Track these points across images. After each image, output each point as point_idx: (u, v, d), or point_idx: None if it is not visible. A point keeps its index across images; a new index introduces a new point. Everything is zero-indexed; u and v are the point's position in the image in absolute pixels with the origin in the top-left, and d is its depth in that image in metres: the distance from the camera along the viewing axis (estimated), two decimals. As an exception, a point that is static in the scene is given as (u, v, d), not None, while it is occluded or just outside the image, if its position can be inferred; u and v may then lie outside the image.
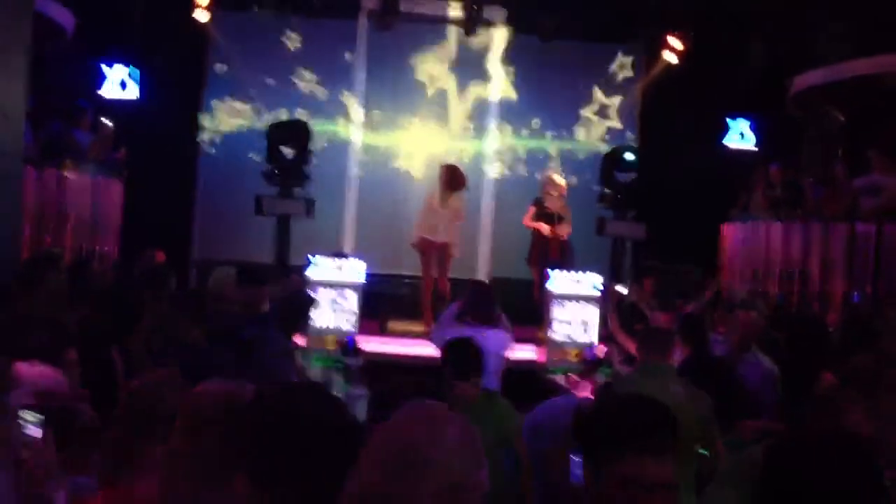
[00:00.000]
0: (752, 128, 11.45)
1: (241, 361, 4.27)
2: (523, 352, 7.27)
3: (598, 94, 11.67)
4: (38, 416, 1.83)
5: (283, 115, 10.73)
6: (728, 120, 11.47)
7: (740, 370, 4.85)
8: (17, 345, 2.75)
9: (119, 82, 10.58)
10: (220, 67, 11.10)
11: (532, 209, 9.27)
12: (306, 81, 11.31)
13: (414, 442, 1.50)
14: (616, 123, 11.68)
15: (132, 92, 10.56)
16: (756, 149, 11.35)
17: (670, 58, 10.85)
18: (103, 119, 9.29)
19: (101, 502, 2.09)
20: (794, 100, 10.29)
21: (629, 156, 10.00)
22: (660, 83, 11.10)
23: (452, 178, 8.85)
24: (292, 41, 11.22)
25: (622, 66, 11.64)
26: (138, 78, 10.55)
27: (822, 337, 4.71)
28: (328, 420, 1.55)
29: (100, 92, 10.49)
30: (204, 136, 11.16)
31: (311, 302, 5.54)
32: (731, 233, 9.91)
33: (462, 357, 4.33)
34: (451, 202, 8.81)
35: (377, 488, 1.47)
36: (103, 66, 10.56)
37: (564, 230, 9.17)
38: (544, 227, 9.11)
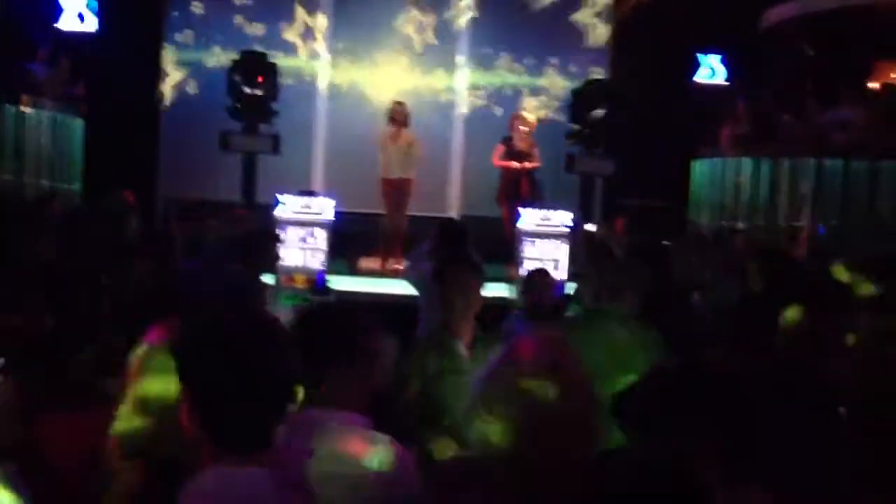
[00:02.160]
0: (723, 62, 11.38)
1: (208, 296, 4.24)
2: (495, 290, 7.27)
3: (571, 27, 11.51)
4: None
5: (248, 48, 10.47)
6: (699, 55, 11.38)
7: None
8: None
9: (77, 14, 10.23)
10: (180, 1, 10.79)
11: (500, 147, 9.21)
12: (269, 16, 11.04)
13: None
14: (585, 57, 11.54)
15: (90, 24, 10.22)
16: (727, 83, 11.30)
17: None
18: (60, 51, 9.02)
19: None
20: (766, 33, 10.23)
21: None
22: (631, 17, 10.97)
23: (401, 115, 8.79)
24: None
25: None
26: (96, 9, 10.20)
27: (791, 269, 4.74)
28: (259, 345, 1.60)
29: (57, 25, 10.13)
30: (166, 70, 10.88)
31: (274, 238, 5.47)
32: (700, 169, 9.93)
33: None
34: (404, 138, 8.80)
35: None
36: (61, -1, 10.20)
37: (534, 164, 9.16)
38: (514, 164, 9.08)
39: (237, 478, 1.54)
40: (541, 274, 5.77)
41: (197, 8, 10.88)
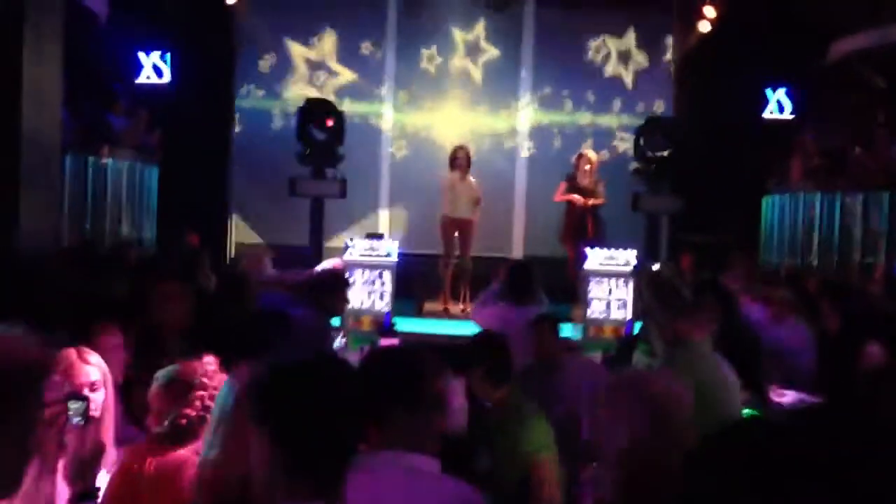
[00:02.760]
0: (790, 96, 11.21)
1: (283, 339, 4.33)
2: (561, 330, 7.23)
3: (632, 65, 11.53)
4: (79, 403, 1.85)
5: (314, 95, 10.75)
6: (766, 90, 11.24)
7: (778, 333, 4.79)
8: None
9: (153, 68, 10.65)
10: (249, 51, 11.15)
11: (563, 185, 9.23)
12: (336, 62, 11.33)
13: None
14: (651, 94, 11.52)
15: (166, 77, 10.63)
16: (793, 117, 11.12)
17: (704, 26, 10.67)
18: (138, 104, 9.39)
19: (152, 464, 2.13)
20: (834, 65, 10.06)
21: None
22: (695, 53, 10.92)
23: (467, 157, 8.93)
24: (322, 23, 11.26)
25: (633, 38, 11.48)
26: (171, 63, 10.61)
27: (867, 307, 4.62)
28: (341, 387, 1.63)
29: (137, 80, 10.56)
30: (237, 119, 11.23)
31: (344, 281, 5.56)
32: (770, 205, 9.75)
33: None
34: (468, 181, 8.96)
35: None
36: (140, 54, 10.64)
37: (598, 201, 9.14)
38: (577, 199, 9.07)
39: None
40: None
41: (266, 59, 11.22)
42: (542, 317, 5.25)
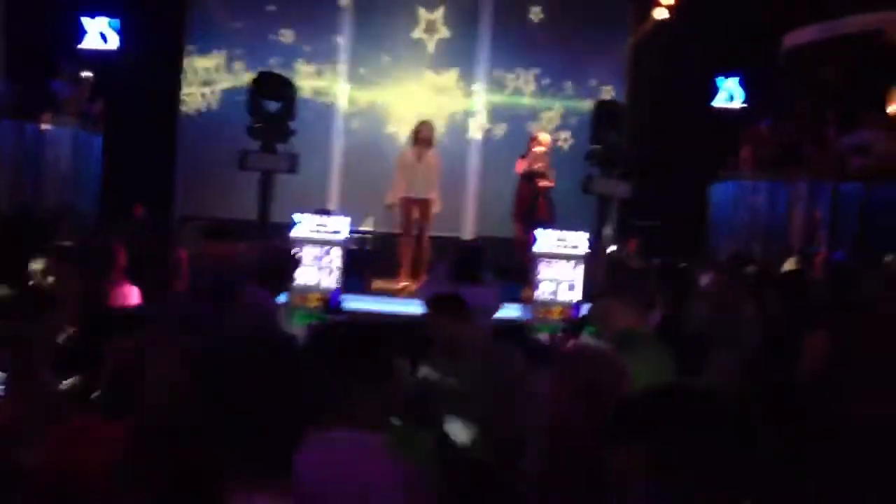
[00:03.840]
0: (742, 84, 11.35)
1: (222, 317, 4.24)
2: (508, 311, 7.24)
3: (587, 49, 11.54)
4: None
5: (267, 68, 10.55)
6: (718, 79, 11.36)
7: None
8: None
9: (99, 34, 10.35)
10: (202, 20, 10.90)
11: (520, 162, 9.24)
12: (290, 35, 11.14)
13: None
14: (606, 80, 11.56)
15: (112, 43, 10.34)
16: (745, 106, 11.27)
17: (660, 13, 10.73)
18: (83, 71, 9.11)
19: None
20: (786, 57, 10.20)
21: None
22: (650, 39, 10.98)
23: (428, 134, 8.84)
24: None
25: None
26: (118, 28, 10.32)
27: (810, 293, 4.70)
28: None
29: (80, 46, 10.25)
30: (185, 90, 10.98)
31: (296, 261, 5.48)
32: (718, 192, 9.88)
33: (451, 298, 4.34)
34: (428, 158, 8.80)
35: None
36: (83, 19, 10.31)
37: (548, 183, 9.15)
38: (531, 164, 8.98)
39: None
40: None
41: (217, 27, 10.98)
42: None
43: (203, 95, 11.05)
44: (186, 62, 10.96)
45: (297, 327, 6.68)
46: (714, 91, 11.36)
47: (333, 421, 1.94)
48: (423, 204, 8.84)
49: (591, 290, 7.41)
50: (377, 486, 1.90)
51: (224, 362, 1.55)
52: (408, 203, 8.86)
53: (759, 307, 5.08)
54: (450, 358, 4.05)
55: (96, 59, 10.00)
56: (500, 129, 11.49)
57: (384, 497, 1.89)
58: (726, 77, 11.36)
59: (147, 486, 1.88)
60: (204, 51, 11.05)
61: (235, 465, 1.52)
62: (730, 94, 11.44)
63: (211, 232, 5.23)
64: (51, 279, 4.02)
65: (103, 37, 10.34)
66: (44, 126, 8.22)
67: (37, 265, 4.12)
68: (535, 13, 11.44)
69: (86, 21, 10.33)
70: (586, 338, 6.50)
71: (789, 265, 6.89)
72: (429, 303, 4.27)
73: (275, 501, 1.49)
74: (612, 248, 7.92)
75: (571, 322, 7.14)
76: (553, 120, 11.45)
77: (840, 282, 5.15)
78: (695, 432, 1.46)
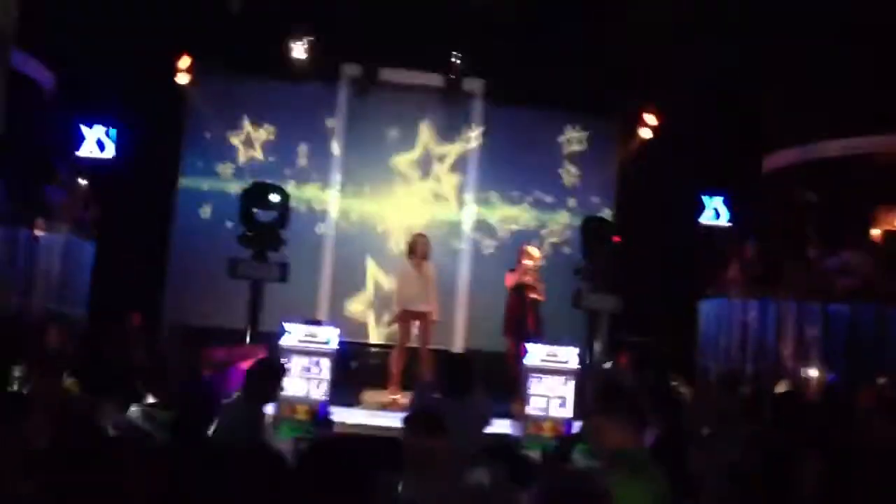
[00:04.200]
0: (726, 203, 11.60)
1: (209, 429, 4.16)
2: (499, 426, 7.13)
3: (574, 167, 11.82)
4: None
5: (259, 178, 10.70)
6: (704, 197, 11.62)
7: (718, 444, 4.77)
8: None
9: (97, 142, 10.52)
10: (197, 130, 11.12)
11: (510, 275, 9.28)
12: (282, 145, 11.37)
13: None
14: (593, 196, 11.79)
15: (109, 152, 10.50)
16: (729, 224, 11.48)
17: (645, 133, 11.06)
18: (78, 177, 9.22)
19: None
20: (768, 177, 10.46)
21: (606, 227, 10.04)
22: (637, 157, 11.27)
23: (425, 247, 8.92)
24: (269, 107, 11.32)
25: (578, 140, 11.81)
26: (115, 138, 10.51)
27: (805, 416, 4.67)
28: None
29: (78, 153, 10.40)
30: (178, 199, 11.09)
31: (281, 371, 5.41)
32: (707, 309, 9.93)
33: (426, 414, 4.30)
34: (425, 270, 8.85)
35: None
36: (82, 127, 10.51)
37: (539, 297, 9.16)
38: (529, 263, 9.02)
39: None
40: None
41: (211, 139, 11.18)
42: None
43: (196, 204, 11.14)
44: (181, 173, 11.10)
45: (283, 440, 6.54)
46: (700, 208, 11.60)
47: None
48: (423, 316, 8.82)
49: (582, 406, 7.33)
50: None
51: (214, 475, 1.51)
52: (406, 315, 8.84)
53: (755, 426, 5.04)
54: (421, 476, 3.96)
55: (92, 166, 10.13)
56: (490, 242, 11.61)
57: None
58: (711, 196, 11.62)
59: None
60: (198, 161, 11.21)
61: None
62: (715, 211, 11.67)
63: (200, 340, 5.19)
64: (32, 385, 3.96)
65: (100, 144, 10.52)
66: (37, 232, 8.24)
67: (18, 371, 4.08)
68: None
69: (84, 129, 10.52)
70: (578, 456, 6.40)
71: (781, 387, 6.87)
72: (405, 420, 4.21)
73: None
74: (605, 364, 7.89)
75: (563, 439, 7.02)
76: (544, 234, 11.59)
77: (835, 405, 5.13)
78: None
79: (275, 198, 9.28)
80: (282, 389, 6.16)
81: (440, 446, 4.03)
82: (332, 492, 1.96)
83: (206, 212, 11.08)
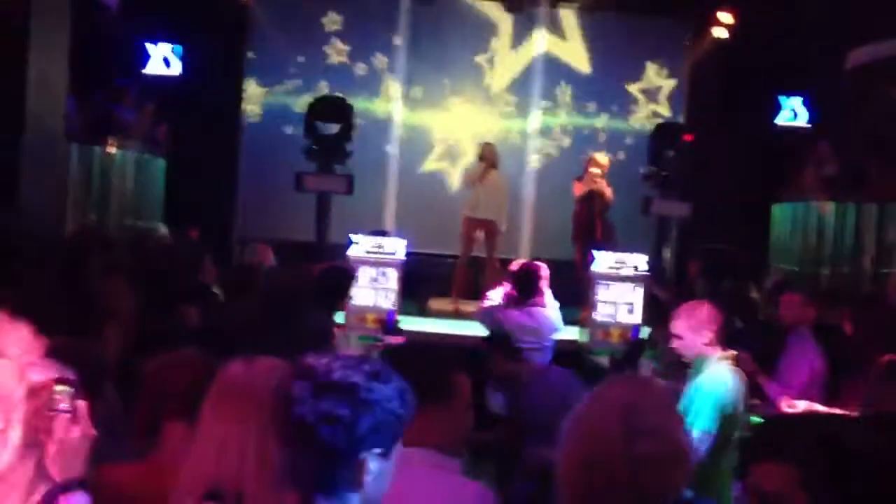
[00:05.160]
0: (806, 104, 11.10)
1: (283, 336, 4.24)
2: (567, 333, 7.15)
3: (649, 72, 11.45)
4: (66, 388, 1.76)
5: (323, 91, 10.67)
6: (780, 97, 11.13)
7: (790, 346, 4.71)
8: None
9: (163, 59, 10.60)
10: (262, 45, 11.10)
11: (577, 184, 9.16)
12: (346, 58, 11.27)
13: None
14: (665, 103, 11.45)
15: (175, 69, 10.57)
16: (809, 125, 11.01)
17: (720, 33, 10.59)
18: (146, 95, 9.33)
19: (130, 473, 2.05)
20: (852, 74, 9.94)
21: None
22: (710, 59, 10.83)
23: (493, 155, 8.86)
24: (333, 21, 11.20)
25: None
26: (181, 55, 10.56)
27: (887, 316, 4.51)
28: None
29: (144, 70, 10.50)
30: (246, 114, 11.17)
31: (350, 278, 5.48)
32: (781, 213, 9.64)
33: (503, 338, 4.54)
34: (493, 179, 8.78)
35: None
36: (147, 45, 10.57)
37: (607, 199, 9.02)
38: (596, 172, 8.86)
39: None
40: None
41: (275, 55, 11.16)
42: None
43: (262, 119, 11.21)
44: (246, 85, 11.15)
45: (354, 348, 6.68)
46: (777, 110, 11.12)
47: (411, 441, 1.91)
48: (488, 225, 8.82)
49: (653, 313, 7.28)
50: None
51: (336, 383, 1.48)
52: (469, 224, 8.84)
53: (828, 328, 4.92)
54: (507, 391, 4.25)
55: (159, 84, 10.23)
56: (558, 150, 11.42)
57: None
58: (788, 96, 11.12)
59: None
60: (263, 75, 11.23)
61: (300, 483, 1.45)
62: (793, 112, 11.19)
63: (279, 251, 5.28)
64: (110, 295, 4.07)
65: (166, 62, 10.58)
66: (109, 149, 8.41)
67: (102, 282, 4.19)
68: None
69: (149, 47, 10.59)
70: (645, 361, 6.38)
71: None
72: (484, 341, 4.54)
73: None
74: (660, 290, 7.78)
75: (631, 345, 7.01)
76: (612, 141, 11.35)
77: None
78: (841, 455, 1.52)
79: (339, 111, 9.25)
80: (350, 298, 6.26)
81: (519, 369, 4.27)
82: (422, 394, 1.97)
83: (271, 127, 11.14)
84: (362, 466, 1.39)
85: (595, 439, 1.64)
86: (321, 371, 1.45)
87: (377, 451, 1.40)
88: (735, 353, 3.83)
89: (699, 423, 3.53)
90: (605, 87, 11.42)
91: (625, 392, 1.70)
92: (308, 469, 1.40)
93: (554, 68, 11.38)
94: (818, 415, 3.24)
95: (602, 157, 9.35)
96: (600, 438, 1.63)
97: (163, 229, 8.39)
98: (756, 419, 3.82)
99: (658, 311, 6.89)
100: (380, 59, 11.30)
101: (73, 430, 1.81)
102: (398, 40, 11.24)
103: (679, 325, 3.78)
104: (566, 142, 11.45)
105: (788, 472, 1.52)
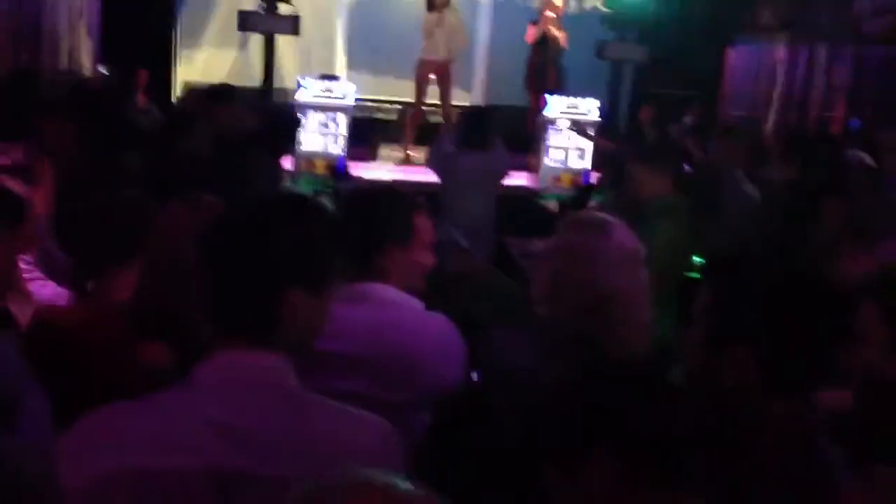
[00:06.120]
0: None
1: (226, 180, 4.17)
2: (516, 178, 7.17)
3: None
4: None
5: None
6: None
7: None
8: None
9: None
10: None
11: (531, 29, 8.92)
12: None
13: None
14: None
15: None
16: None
17: None
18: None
19: (68, 314, 2.05)
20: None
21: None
22: None
23: (440, 2, 8.48)
24: None
25: None
26: None
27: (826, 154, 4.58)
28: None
29: None
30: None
31: (296, 121, 5.36)
32: (734, 57, 9.57)
33: None
34: (447, 18, 8.40)
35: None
36: None
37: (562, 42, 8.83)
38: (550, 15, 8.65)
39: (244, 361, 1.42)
40: None
41: None
42: None
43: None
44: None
45: (302, 192, 6.64)
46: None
47: (366, 278, 1.92)
48: (442, 68, 8.48)
49: (602, 157, 7.30)
50: (420, 344, 1.89)
51: (252, 214, 1.43)
52: (425, 66, 8.50)
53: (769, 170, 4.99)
54: None
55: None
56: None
57: (426, 351, 1.88)
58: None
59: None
60: None
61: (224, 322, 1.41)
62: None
63: (215, 95, 5.09)
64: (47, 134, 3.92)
65: None
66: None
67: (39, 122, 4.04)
68: None
69: None
70: (594, 206, 6.46)
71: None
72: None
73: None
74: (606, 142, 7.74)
75: (580, 189, 7.07)
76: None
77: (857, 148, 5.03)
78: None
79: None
80: (298, 143, 6.17)
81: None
82: (386, 234, 1.97)
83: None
84: (287, 301, 1.35)
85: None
86: (245, 206, 1.42)
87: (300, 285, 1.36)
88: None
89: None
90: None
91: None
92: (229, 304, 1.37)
93: None
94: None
95: (558, 0, 9.09)
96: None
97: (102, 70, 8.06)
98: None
99: (602, 158, 6.93)
100: None
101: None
102: None
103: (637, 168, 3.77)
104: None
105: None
